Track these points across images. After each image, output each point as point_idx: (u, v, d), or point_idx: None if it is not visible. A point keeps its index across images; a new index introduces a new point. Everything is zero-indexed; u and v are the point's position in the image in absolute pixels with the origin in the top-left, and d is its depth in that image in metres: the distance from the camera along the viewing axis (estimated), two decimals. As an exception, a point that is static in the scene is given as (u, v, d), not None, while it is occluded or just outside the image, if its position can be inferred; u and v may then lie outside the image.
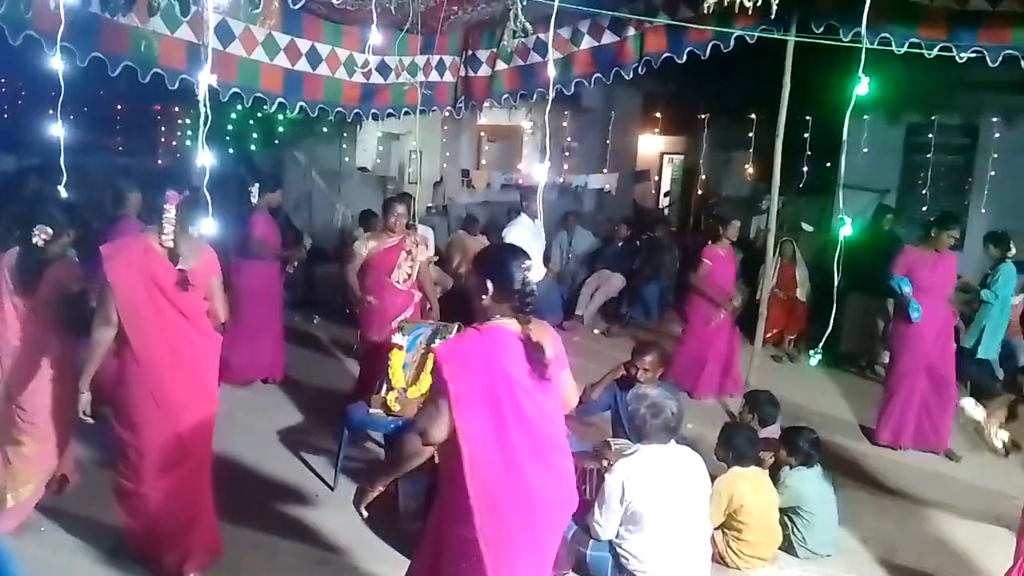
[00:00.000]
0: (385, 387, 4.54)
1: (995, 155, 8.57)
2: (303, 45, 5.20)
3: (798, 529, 4.09)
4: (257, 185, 6.06)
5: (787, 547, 4.08)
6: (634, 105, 12.74)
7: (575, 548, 3.62)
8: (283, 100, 5.22)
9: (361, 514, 2.60)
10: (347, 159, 10.25)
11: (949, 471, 5.37)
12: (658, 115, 13.05)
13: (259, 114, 8.68)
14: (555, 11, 2.27)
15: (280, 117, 9.28)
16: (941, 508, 4.75)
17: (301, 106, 5.39)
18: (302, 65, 5.25)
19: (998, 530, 4.46)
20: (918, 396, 5.55)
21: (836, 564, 4.05)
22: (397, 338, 4.71)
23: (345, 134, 10.04)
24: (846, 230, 2.72)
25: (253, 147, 10.02)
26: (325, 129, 9.73)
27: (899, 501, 4.85)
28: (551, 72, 2.17)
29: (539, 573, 2.55)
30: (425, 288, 5.49)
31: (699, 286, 6.52)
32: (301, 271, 8.75)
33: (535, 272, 2.47)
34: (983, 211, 8.71)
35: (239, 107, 7.06)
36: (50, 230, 3.71)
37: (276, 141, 10.26)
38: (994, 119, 8.57)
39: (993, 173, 8.56)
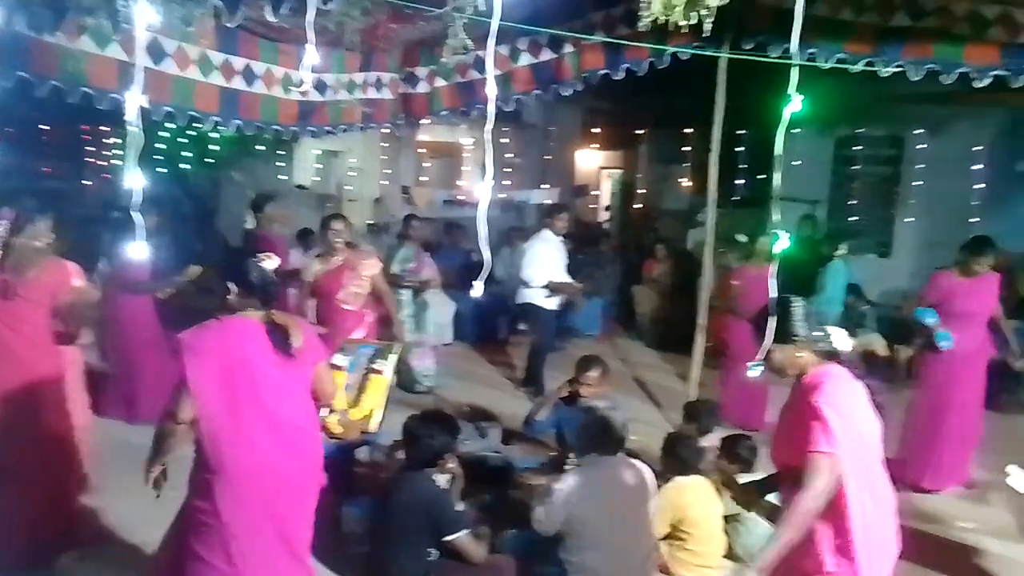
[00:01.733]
0: (327, 409, 4.46)
1: (920, 166, 8.92)
2: (238, 63, 5.11)
3: (741, 536, 4.15)
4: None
5: (730, 554, 4.13)
6: (573, 120, 12.89)
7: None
8: (218, 119, 5.13)
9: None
10: (283, 177, 10.10)
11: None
12: (597, 130, 13.23)
13: (193, 133, 8.49)
14: (494, 29, 2.28)
15: (214, 136, 9.09)
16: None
17: (237, 125, 5.29)
18: (238, 83, 5.16)
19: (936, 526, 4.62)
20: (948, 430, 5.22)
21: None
22: (338, 359, 4.63)
23: (282, 152, 9.90)
24: (782, 244, 2.79)
25: (187, 167, 9.80)
26: (261, 147, 9.57)
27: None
28: (491, 90, 2.16)
29: (286, 549, 2.79)
30: (386, 300, 5.43)
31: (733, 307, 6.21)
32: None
33: (271, 263, 2.94)
34: (909, 219, 9.04)
35: (172, 127, 6.91)
36: None
37: (211, 160, 10.05)
38: (918, 131, 8.93)
39: (920, 183, 8.91)
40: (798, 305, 2.73)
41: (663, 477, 4.09)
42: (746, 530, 4.15)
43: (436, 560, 3.60)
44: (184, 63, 4.76)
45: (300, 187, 10.17)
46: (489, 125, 2.13)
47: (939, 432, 5.20)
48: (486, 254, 2.21)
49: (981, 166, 8.46)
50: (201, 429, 2.68)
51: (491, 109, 2.13)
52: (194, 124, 5.15)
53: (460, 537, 3.49)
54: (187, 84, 4.82)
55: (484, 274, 2.39)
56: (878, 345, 7.65)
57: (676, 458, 4.09)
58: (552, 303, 6.91)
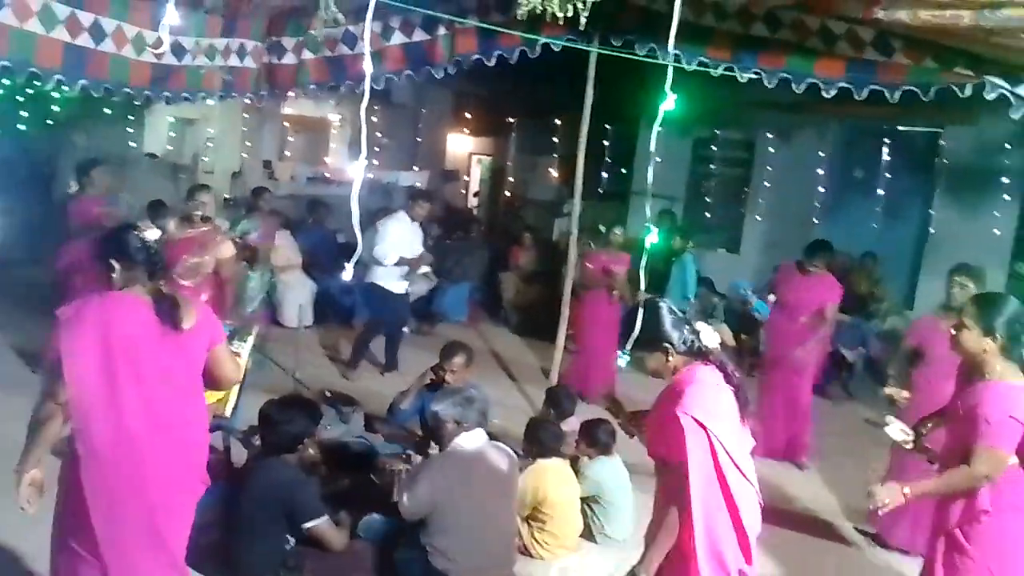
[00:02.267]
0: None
1: (769, 168, 9.49)
2: (85, 18, 4.70)
3: (597, 517, 4.30)
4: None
5: (586, 534, 4.27)
6: (445, 104, 12.81)
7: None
8: (62, 77, 4.71)
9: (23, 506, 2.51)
10: (133, 144, 9.45)
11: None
12: (468, 115, 13.22)
13: (30, 91, 7.78)
14: (372, 4, 2.21)
15: (56, 95, 8.38)
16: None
17: (83, 85, 4.89)
18: (84, 40, 4.74)
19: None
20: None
21: (632, 548, 4.29)
22: (192, 339, 4.40)
23: (132, 116, 9.25)
24: (652, 238, 2.89)
25: (23, 127, 8.97)
26: (109, 110, 8.90)
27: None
28: (368, 66, 2.10)
29: (156, 543, 2.66)
30: (227, 288, 5.16)
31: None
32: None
33: (153, 234, 2.79)
34: (758, 218, 9.62)
35: (8, 83, 6.31)
36: None
37: (50, 121, 9.25)
38: (768, 135, 9.49)
39: (768, 184, 9.47)
40: (665, 309, 2.67)
41: (525, 460, 4.17)
42: (603, 511, 4.30)
43: (292, 549, 3.51)
44: (24, 14, 4.33)
45: (151, 155, 9.57)
46: (364, 103, 2.07)
47: (772, 407, 5.78)
48: (358, 235, 2.15)
49: (823, 172, 9.11)
50: (73, 409, 2.53)
51: (367, 86, 2.06)
52: (34, 81, 4.72)
53: (319, 524, 3.42)
54: (27, 37, 4.39)
55: (356, 256, 2.32)
56: (726, 335, 8.10)
57: (537, 441, 4.18)
58: (402, 287, 6.88)
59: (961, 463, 2.80)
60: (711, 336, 2.64)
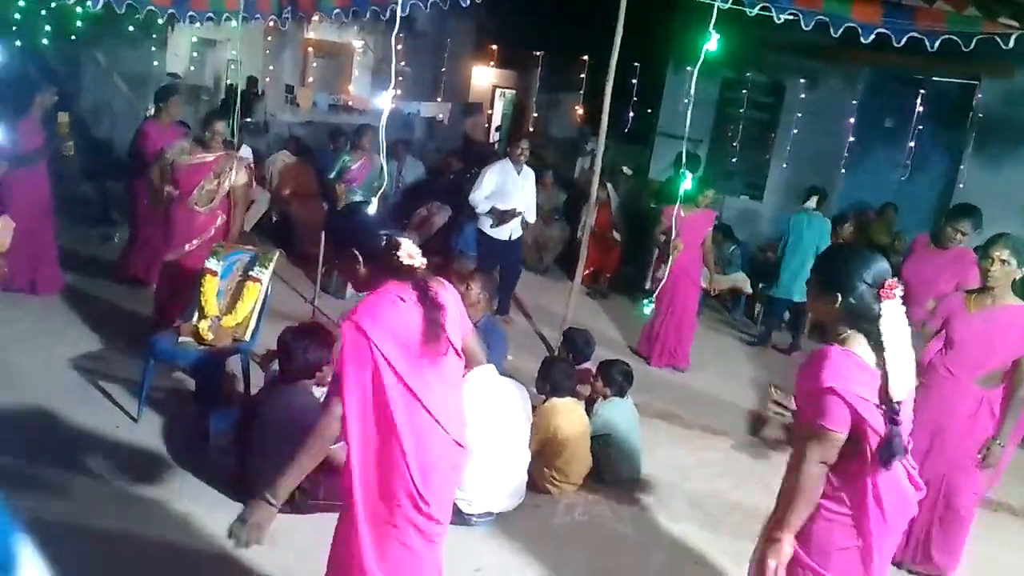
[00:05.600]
0: (197, 315, 4.30)
1: (798, 114, 9.28)
2: (108, -69, 4.64)
3: (607, 456, 4.37)
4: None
5: (595, 473, 4.35)
6: (469, 34, 12.57)
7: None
8: (83, -8, 4.66)
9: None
10: (156, 64, 9.36)
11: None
12: (493, 47, 12.98)
13: (52, 5, 7.69)
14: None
15: (78, 11, 8.28)
16: (722, 435, 5.26)
17: (106, 1, 4.83)
18: (106, -46, 4.69)
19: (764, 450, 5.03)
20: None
21: (637, 488, 4.38)
22: (211, 263, 4.45)
23: (155, 35, 9.15)
24: (687, 184, 2.82)
25: (44, 42, 8.89)
26: (132, 28, 8.80)
27: (691, 430, 5.30)
28: (393, -8, 2.05)
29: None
30: (236, 212, 5.17)
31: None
32: (94, 187, 8.04)
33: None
34: (783, 166, 9.45)
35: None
36: None
37: (72, 37, 9.16)
38: (798, 79, 9.26)
39: (796, 131, 9.28)
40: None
41: (538, 398, 4.23)
42: (612, 451, 4.36)
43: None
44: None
45: (173, 75, 9.49)
46: (396, 29, 2.03)
47: (666, 325, 6.32)
48: (383, 165, 2.13)
49: (852, 120, 8.91)
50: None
51: (399, 13, 2.02)
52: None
53: (334, 450, 3.49)
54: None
55: (381, 188, 2.31)
56: (742, 282, 8.07)
57: (550, 379, 4.23)
58: (504, 232, 6.66)
59: None
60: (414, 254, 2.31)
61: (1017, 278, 3.62)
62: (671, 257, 6.12)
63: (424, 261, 2.29)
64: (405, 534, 2.26)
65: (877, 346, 2.19)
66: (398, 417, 2.21)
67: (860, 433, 2.18)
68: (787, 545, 2.24)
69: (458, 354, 2.41)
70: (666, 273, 6.05)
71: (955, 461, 3.70)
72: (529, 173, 6.82)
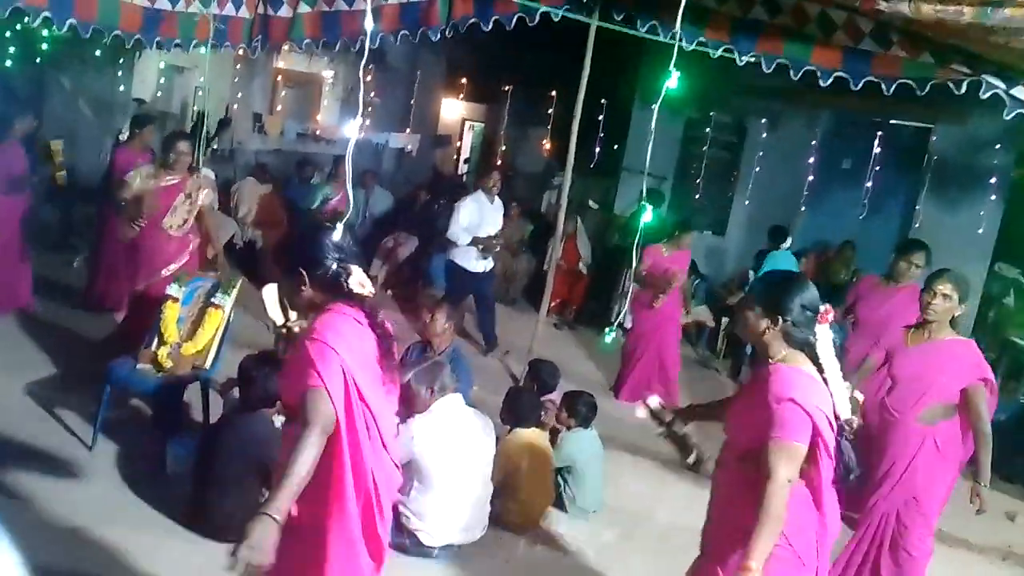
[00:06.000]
0: (156, 341, 4.23)
1: (760, 153, 9.49)
2: (75, -44, 4.62)
3: (569, 487, 4.35)
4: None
5: (558, 504, 4.33)
6: (439, 67, 12.68)
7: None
8: (49, 15, 4.61)
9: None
10: (122, 88, 9.28)
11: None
12: (463, 80, 13.09)
13: (17, 27, 7.61)
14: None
15: (44, 33, 8.20)
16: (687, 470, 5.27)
17: (71, 25, 4.79)
18: (74, -22, 4.66)
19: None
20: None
21: (601, 520, 4.37)
22: (172, 289, 4.39)
23: (121, 60, 9.07)
24: (647, 216, 2.89)
25: (8, 64, 8.79)
26: (98, 52, 8.72)
27: (656, 463, 5.30)
28: (368, 23, 2.07)
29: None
30: (211, 234, 5.14)
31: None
32: (56, 211, 7.92)
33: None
34: (746, 202, 9.64)
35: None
36: None
37: (37, 60, 9.06)
38: (760, 120, 9.48)
39: (758, 169, 9.48)
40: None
41: (502, 428, 4.22)
42: (575, 482, 4.35)
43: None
44: (12, -50, 4.23)
45: (139, 100, 9.40)
46: (364, 60, 2.05)
47: (646, 365, 6.29)
48: (350, 195, 2.14)
49: (812, 160, 9.13)
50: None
51: (367, 44, 2.05)
52: (21, 17, 4.62)
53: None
54: (12, -28, 4.30)
55: (346, 216, 2.31)
56: (705, 316, 8.17)
57: (515, 410, 4.22)
58: (481, 265, 6.77)
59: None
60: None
61: (957, 314, 3.61)
62: (661, 296, 6.13)
63: (372, 291, 2.30)
64: (359, 553, 2.26)
65: (817, 366, 2.30)
66: (360, 436, 2.19)
67: (812, 447, 2.22)
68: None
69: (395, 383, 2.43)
70: (649, 308, 6.16)
71: (904, 502, 3.67)
72: (499, 204, 6.96)
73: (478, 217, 6.68)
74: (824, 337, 2.31)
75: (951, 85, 4.40)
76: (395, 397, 2.44)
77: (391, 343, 2.32)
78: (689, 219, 6.90)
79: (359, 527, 2.24)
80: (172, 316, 4.29)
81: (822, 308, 2.33)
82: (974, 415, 3.53)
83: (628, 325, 6.94)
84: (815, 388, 2.26)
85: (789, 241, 7.45)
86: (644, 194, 5.48)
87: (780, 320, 2.32)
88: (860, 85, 4.64)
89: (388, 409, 2.35)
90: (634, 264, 5.47)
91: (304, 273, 2.26)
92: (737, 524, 2.31)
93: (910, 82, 4.52)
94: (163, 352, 4.15)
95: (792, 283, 2.43)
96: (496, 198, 6.92)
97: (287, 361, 2.39)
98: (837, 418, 2.27)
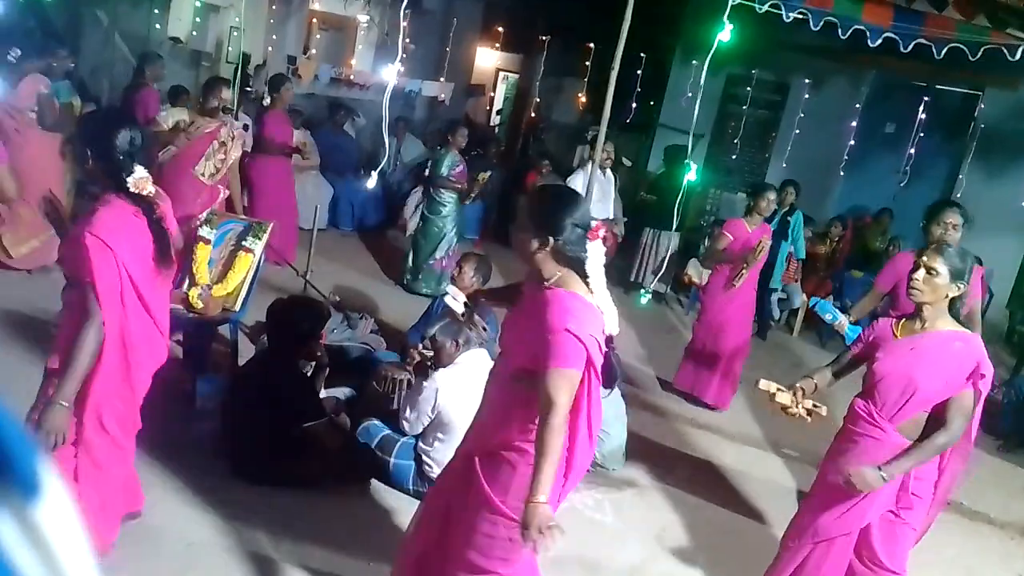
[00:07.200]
0: (187, 282, 4.27)
1: (801, 114, 9.27)
2: None
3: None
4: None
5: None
6: (476, 14, 12.46)
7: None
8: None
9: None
10: (158, 26, 9.26)
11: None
12: (499, 29, 12.87)
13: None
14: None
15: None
16: (710, 431, 5.28)
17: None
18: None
19: (760, 452, 5.05)
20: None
21: (621, 477, 4.40)
22: (204, 231, 4.41)
23: (158, -2, 9.05)
24: (691, 175, 2.82)
25: (45, -2, 8.78)
26: (135, -11, 8.71)
27: (680, 423, 5.32)
28: (404, -34, 2.03)
29: None
30: (232, 186, 5.13)
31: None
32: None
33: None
34: (783, 165, 9.45)
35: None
36: None
37: (74, -6, 9.07)
38: (806, 80, 9.24)
39: (797, 131, 9.27)
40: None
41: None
42: (599, 442, 4.36)
43: (288, 443, 3.60)
44: None
45: (174, 40, 9.37)
46: (403, 5, 2.01)
47: (714, 356, 5.44)
48: (386, 142, 2.12)
49: (854, 123, 8.90)
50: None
51: (405, -9, 2.00)
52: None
53: (317, 425, 3.49)
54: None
55: (383, 163, 2.30)
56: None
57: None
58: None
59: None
60: None
61: (953, 296, 2.86)
62: (743, 273, 5.28)
63: (153, 190, 2.63)
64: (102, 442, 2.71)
65: (587, 285, 2.31)
66: (131, 326, 2.60)
67: (584, 367, 2.26)
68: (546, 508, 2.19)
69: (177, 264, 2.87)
70: (724, 292, 5.39)
71: (880, 516, 3.00)
72: (611, 177, 7.19)
73: (598, 194, 6.15)
74: (594, 253, 2.30)
75: (1004, 50, 4.25)
76: (168, 285, 2.86)
77: (167, 241, 2.68)
78: (707, 174, 6.70)
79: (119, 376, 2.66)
80: (203, 257, 4.33)
81: (594, 223, 2.31)
82: (948, 422, 2.81)
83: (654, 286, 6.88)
84: (589, 314, 2.27)
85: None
86: (691, 151, 5.28)
87: (551, 240, 2.27)
88: (910, 48, 4.50)
89: (160, 293, 2.77)
90: (704, 243, 5.06)
91: (89, 152, 2.59)
92: (498, 433, 2.40)
93: (961, 46, 4.37)
94: (194, 293, 4.19)
95: (563, 200, 2.37)
96: (608, 171, 6.92)
97: (70, 236, 2.67)
98: (608, 339, 2.33)
